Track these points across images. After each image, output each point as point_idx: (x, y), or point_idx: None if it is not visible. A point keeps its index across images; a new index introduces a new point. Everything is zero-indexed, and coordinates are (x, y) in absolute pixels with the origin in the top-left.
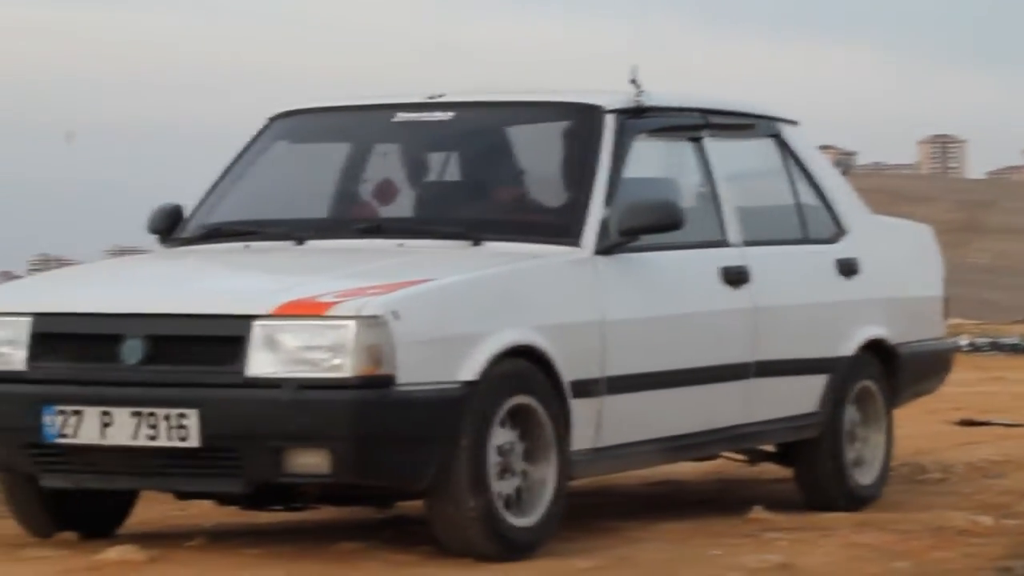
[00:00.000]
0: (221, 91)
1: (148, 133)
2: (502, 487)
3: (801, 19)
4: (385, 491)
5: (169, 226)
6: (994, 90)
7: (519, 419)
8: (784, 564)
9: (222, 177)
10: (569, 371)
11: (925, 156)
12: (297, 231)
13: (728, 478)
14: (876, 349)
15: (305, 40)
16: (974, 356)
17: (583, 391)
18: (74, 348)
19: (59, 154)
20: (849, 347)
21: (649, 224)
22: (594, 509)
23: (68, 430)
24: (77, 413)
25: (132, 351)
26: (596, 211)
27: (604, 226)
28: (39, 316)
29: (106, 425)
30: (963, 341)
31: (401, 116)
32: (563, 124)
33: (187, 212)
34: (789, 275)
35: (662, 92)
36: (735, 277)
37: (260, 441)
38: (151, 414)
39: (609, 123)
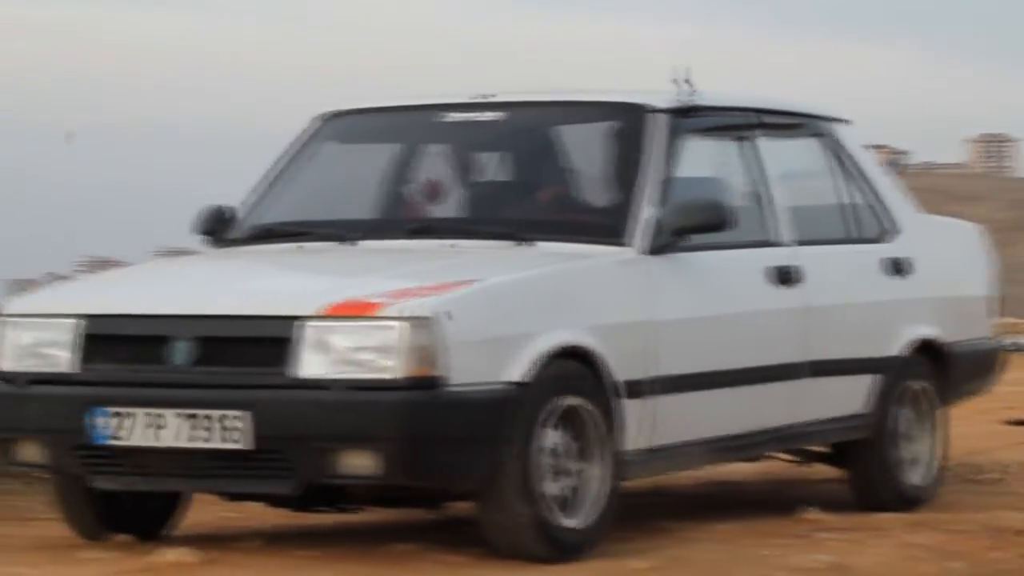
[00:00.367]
0: (269, 94)
1: (197, 135)
2: (552, 488)
3: (853, 19)
4: (434, 492)
5: (216, 227)
6: None
7: (569, 420)
8: (836, 564)
9: (272, 178)
10: (619, 372)
11: (976, 155)
12: (347, 232)
13: (780, 478)
14: (926, 349)
15: (349, 41)
16: None
17: (633, 392)
18: (124, 350)
19: (104, 156)
20: (899, 347)
21: (698, 224)
22: (647, 509)
23: (118, 432)
24: (127, 415)
25: (181, 352)
26: (645, 211)
27: (654, 226)
28: (88, 318)
29: (156, 427)
30: (1014, 340)
31: (450, 116)
32: (613, 124)
33: (233, 213)
34: (839, 275)
35: (712, 91)
36: (786, 277)
37: (310, 442)
38: (202, 416)
39: (659, 122)
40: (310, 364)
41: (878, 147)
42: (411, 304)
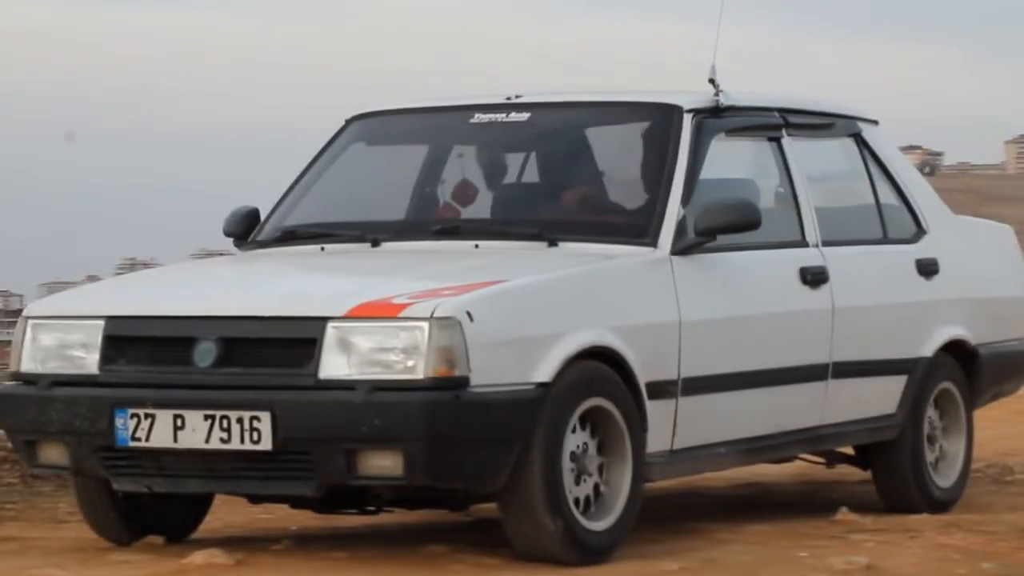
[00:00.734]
0: (294, 96)
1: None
2: (576, 490)
3: (889, 20)
4: (457, 494)
5: (245, 229)
6: None
7: (594, 421)
8: (871, 566)
9: (299, 179)
10: (645, 372)
11: (1012, 156)
12: (373, 233)
13: (814, 480)
14: (956, 350)
15: (381, 42)
16: None
17: (659, 393)
18: (147, 351)
19: (151, 158)
20: (928, 348)
21: (726, 224)
22: (680, 511)
23: (140, 433)
24: (149, 416)
25: (205, 354)
26: (673, 211)
27: (681, 226)
28: (112, 319)
29: (178, 428)
30: None
31: (478, 117)
32: (640, 124)
33: (263, 215)
34: (868, 275)
35: (741, 92)
36: (813, 277)
37: (333, 443)
38: (224, 417)
39: (687, 123)
40: (333, 365)
41: (913, 148)
42: (435, 304)
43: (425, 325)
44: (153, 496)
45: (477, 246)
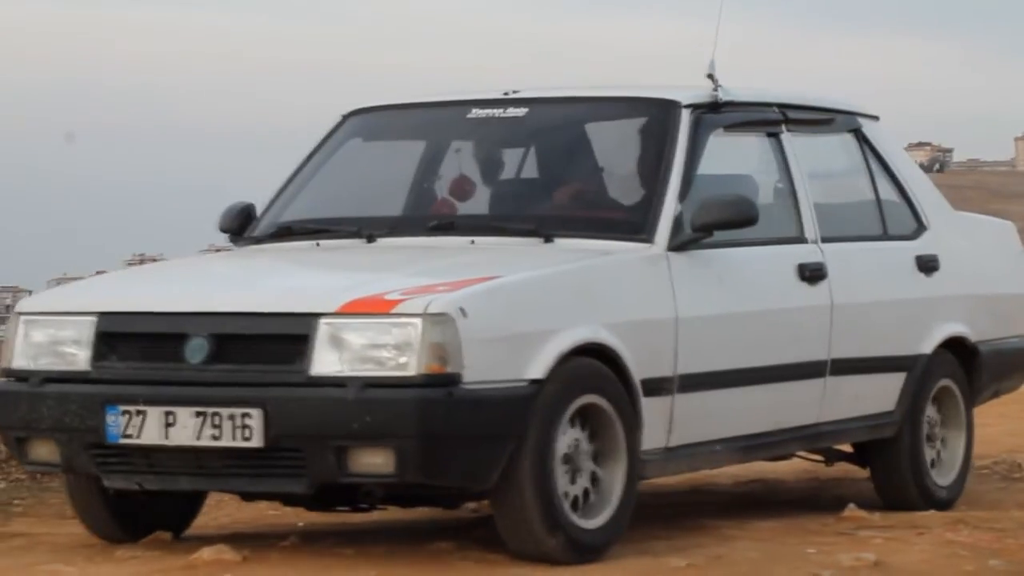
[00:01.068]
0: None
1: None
2: (570, 488)
3: (895, 16)
4: (450, 492)
5: (240, 225)
6: None
7: (588, 418)
8: (879, 562)
9: (295, 175)
10: (640, 369)
11: (1022, 152)
12: (368, 229)
13: (821, 476)
14: (956, 347)
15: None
16: None
17: (654, 390)
18: (138, 347)
19: (162, 156)
20: (928, 345)
21: (723, 220)
22: (687, 508)
23: (131, 430)
24: (140, 413)
25: (196, 350)
26: (669, 207)
27: (677, 222)
28: (103, 315)
29: (169, 425)
30: None
31: (476, 113)
32: (638, 120)
33: (258, 211)
34: (867, 272)
35: (740, 87)
36: (812, 274)
37: (324, 441)
38: (214, 414)
39: (684, 118)
40: (325, 362)
41: (923, 144)
42: (427, 301)
43: (418, 321)
44: (144, 493)
45: (473, 242)
